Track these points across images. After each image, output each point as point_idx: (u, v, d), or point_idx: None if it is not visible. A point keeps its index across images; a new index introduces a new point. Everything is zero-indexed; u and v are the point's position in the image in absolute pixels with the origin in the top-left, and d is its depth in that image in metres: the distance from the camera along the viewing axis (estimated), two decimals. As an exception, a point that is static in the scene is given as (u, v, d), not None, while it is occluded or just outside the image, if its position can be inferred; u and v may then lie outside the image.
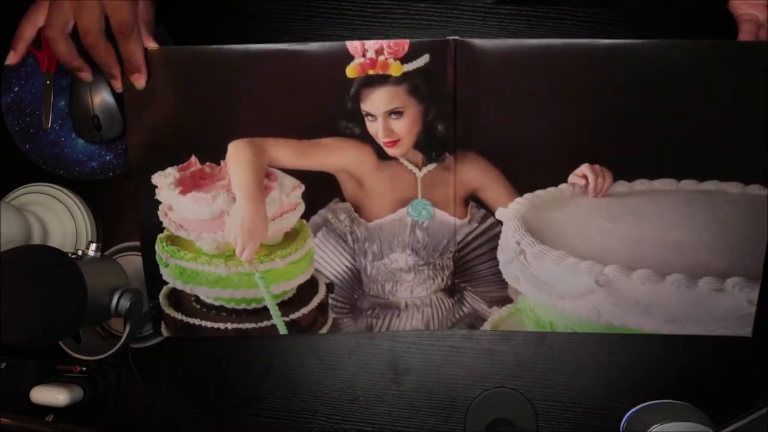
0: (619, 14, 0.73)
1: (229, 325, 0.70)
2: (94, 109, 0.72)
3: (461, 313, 0.71)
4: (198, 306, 0.71)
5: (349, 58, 0.64)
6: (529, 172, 0.66)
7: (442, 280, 0.70)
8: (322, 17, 0.74)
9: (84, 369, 0.71)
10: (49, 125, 0.74)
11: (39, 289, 0.55)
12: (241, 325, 0.71)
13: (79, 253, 0.63)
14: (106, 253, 0.73)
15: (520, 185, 0.67)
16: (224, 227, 0.68)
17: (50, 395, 0.67)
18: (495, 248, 0.69)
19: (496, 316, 0.70)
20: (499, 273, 0.69)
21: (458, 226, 0.68)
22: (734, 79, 0.64)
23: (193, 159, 0.67)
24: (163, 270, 0.69)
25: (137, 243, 0.73)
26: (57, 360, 0.71)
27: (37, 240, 0.69)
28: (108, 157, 0.74)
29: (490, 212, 0.68)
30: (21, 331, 0.55)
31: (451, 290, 0.70)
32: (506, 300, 0.70)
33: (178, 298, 0.71)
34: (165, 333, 0.71)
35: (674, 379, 0.72)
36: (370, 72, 0.64)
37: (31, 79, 0.75)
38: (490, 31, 0.74)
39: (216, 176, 0.67)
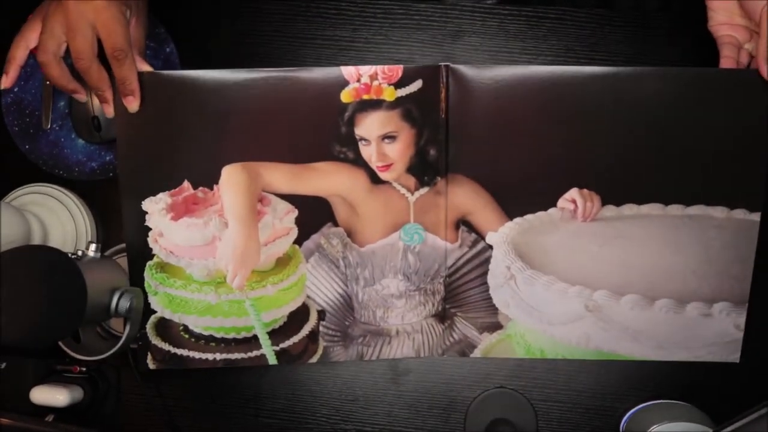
0: (619, 14, 0.73)
1: (218, 356, 0.69)
2: (94, 109, 0.72)
3: (452, 339, 0.71)
4: (186, 336, 0.69)
5: (344, 83, 0.64)
6: (519, 197, 0.67)
7: (433, 305, 0.70)
8: (322, 17, 0.74)
9: (84, 369, 0.71)
10: (49, 125, 0.74)
11: (39, 289, 0.56)
12: (230, 356, 0.69)
13: (79, 253, 0.63)
14: (106, 253, 0.72)
15: (511, 209, 0.67)
16: (216, 253, 0.66)
17: (50, 395, 0.67)
18: (485, 273, 0.69)
19: (486, 342, 0.70)
20: (490, 298, 0.69)
21: (449, 250, 0.68)
22: (719, 105, 0.65)
23: (186, 184, 0.66)
24: (151, 298, 0.68)
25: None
26: (57, 360, 0.71)
27: (37, 240, 0.69)
28: (108, 158, 0.74)
29: (481, 236, 0.68)
30: (21, 331, 0.55)
31: (442, 316, 0.70)
32: (496, 326, 0.70)
33: (165, 327, 0.69)
34: (151, 365, 0.69)
35: (674, 379, 0.72)
36: (365, 97, 0.64)
37: (31, 79, 0.75)
38: (490, 31, 0.74)
39: (209, 201, 0.66)
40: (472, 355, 0.70)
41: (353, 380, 0.74)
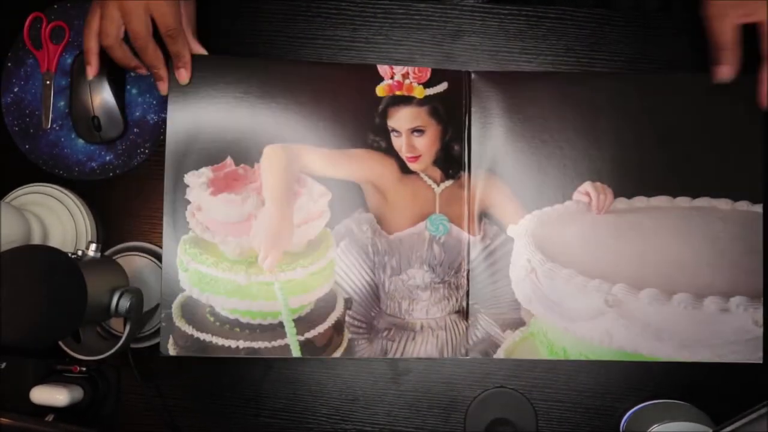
0: (619, 14, 0.73)
1: (241, 343, 0.69)
2: (94, 109, 0.72)
3: (475, 338, 0.71)
4: (212, 319, 0.69)
5: (379, 78, 0.71)
6: (537, 190, 0.70)
7: (457, 300, 0.70)
8: (322, 17, 0.74)
9: (84, 369, 0.71)
10: (49, 125, 0.74)
11: (39, 289, 0.56)
12: (254, 344, 0.69)
13: (79, 253, 0.63)
14: (106, 253, 0.73)
15: (529, 202, 0.70)
16: (250, 231, 0.69)
17: (50, 395, 0.67)
18: (507, 266, 0.70)
19: (509, 341, 0.70)
20: (512, 292, 0.70)
21: (472, 242, 0.70)
22: (720, 105, 0.70)
23: (229, 160, 0.69)
24: (181, 275, 0.69)
25: (137, 243, 0.73)
26: (57, 360, 0.71)
27: (37, 240, 0.69)
28: (108, 158, 0.74)
29: (502, 229, 0.70)
30: (21, 331, 0.55)
31: (465, 312, 0.71)
32: (519, 323, 0.70)
33: (191, 309, 0.69)
34: (172, 351, 0.69)
35: (674, 379, 0.72)
36: (397, 92, 0.71)
37: (31, 79, 0.75)
38: (490, 30, 0.74)
39: (249, 178, 0.69)
40: (495, 356, 0.71)
41: (353, 380, 0.74)
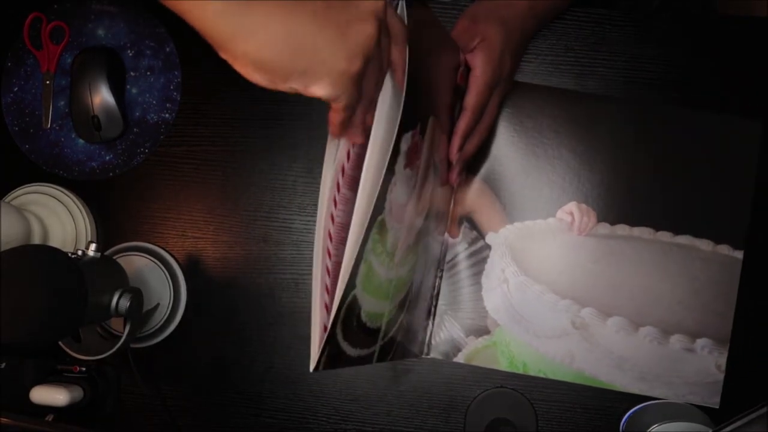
0: (619, 14, 0.73)
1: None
2: (94, 109, 0.72)
3: (438, 339, 0.71)
4: (357, 326, 0.52)
5: None
6: (523, 203, 0.70)
7: (425, 299, 0.70)
8: (322, 17, 0.74)
9: (84, 369, 0.71)
10: (49, 125, 0.74)
11: (39, 289, 0.55)
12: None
13: (79, 253, 0.63)
14: (106, 253, 0.73)
15: (512, 213, 0.71)
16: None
17: (50, 395, 0.67)
18: (480, 273, 0.71)
19: (471, 347, 0.71)
20: (481, 299, 0.71)
21: (450, 244, 0.71)
22: (715, 146, 0.70)
23: (419, 127, 0.52)
24: (361, 267, 0.49)
25: (137, 243, 0.73)
26: (57, 360, 0.71)
27: (37, 240, 0.69)
28: (108, 157, 0.74)
29: (481, 235, 0.71)
30: (21, 331, 0.55)
31: (432, 312, 0.71)
32: (484, 331, 0.71)
33: (348, 316, 0.49)
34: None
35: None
36: None
37: (31, 79, 0.75)
38: (490, 31, 0.74)
39: (420, 152, 0.55)
40: (455, 359, 0.71)
41: (353, 380, 0.74)
